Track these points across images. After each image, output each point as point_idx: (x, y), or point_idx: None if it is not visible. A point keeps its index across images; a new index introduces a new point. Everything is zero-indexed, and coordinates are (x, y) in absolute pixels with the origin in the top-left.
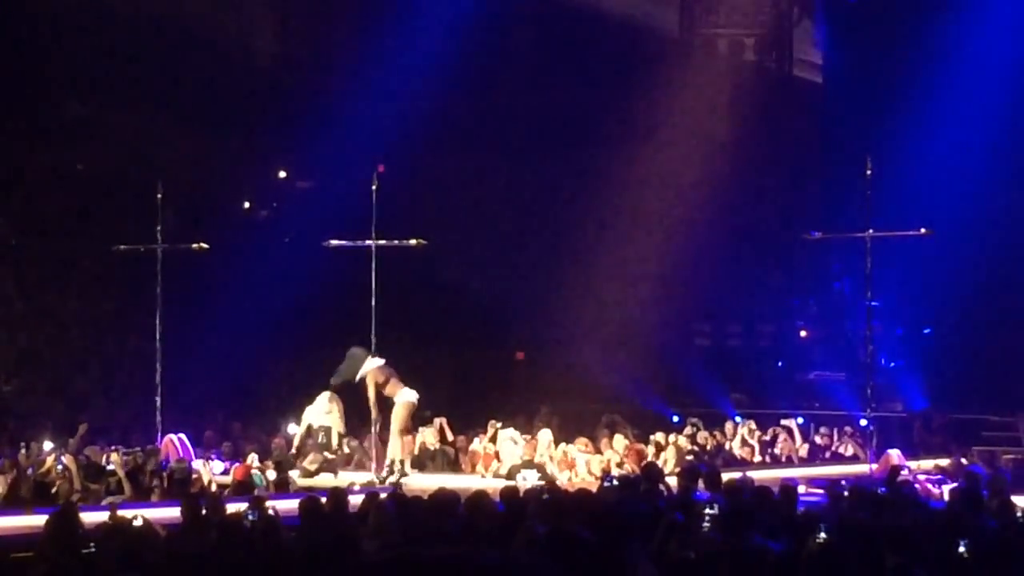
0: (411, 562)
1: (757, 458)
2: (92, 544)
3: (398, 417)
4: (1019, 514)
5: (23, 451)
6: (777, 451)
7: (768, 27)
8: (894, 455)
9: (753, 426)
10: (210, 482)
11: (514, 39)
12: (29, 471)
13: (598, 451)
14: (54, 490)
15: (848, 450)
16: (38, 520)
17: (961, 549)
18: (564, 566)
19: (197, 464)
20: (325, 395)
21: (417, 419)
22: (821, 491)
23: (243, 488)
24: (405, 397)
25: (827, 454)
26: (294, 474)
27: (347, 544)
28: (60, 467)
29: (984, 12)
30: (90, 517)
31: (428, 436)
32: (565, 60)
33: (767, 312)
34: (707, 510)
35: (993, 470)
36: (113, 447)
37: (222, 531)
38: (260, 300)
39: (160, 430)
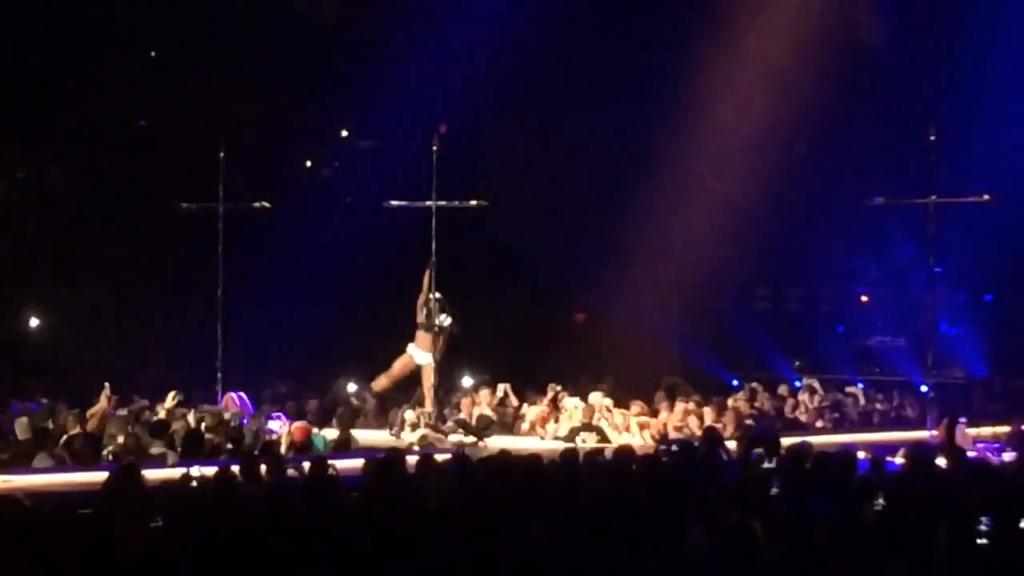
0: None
1: (819, 423)
2: (151, 501)
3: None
4: None
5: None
6: (838, 415)
7: None
8: (962, 427)
9: (817, 384)
10: (278, 440)
11: None
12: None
13: (655, 414)
14: (109, 448)
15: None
16: (101, 476)
17: None
18: (621, 529)
19: (250, 422)
20: None
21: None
22: (881, 457)
23: (302, 448)
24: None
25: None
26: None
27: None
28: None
29: None
30: (151, 474)
31: (483, 400)
32: (628, 15)
33: (828, 276)
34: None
35: None
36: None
37: (279, 489)
38: (321, 259)
39: (220, 388)
